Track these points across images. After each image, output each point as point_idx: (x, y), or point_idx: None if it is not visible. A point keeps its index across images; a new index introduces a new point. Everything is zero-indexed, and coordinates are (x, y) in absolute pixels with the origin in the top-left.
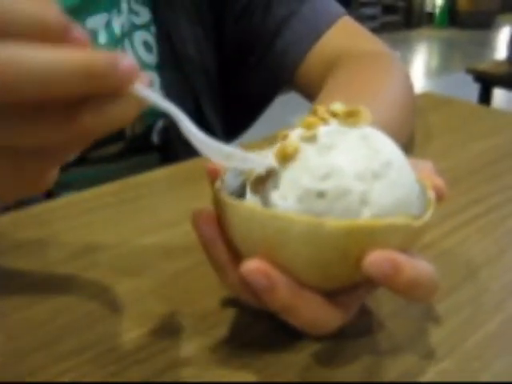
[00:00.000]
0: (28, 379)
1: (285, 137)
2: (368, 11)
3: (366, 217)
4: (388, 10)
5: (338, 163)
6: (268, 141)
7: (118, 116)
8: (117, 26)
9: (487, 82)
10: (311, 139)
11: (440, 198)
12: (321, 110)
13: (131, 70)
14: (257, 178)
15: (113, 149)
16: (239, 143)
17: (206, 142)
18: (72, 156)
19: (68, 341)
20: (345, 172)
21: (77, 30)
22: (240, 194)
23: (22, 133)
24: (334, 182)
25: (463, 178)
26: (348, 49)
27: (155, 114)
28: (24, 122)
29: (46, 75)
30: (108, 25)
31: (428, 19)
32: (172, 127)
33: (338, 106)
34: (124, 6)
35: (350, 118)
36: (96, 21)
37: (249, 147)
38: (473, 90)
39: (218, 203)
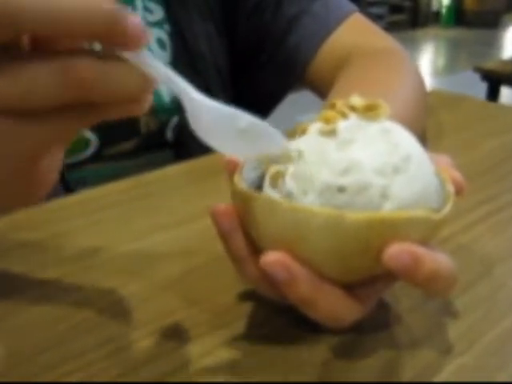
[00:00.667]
0: (35, 379)
1: (304, 130)
2: (375, 10)
3: (386, 210)
4: (395, 9)
5: (357, 158)
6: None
7: (122, 80)
8: None
9: (494, 80)
10: (330, 134)
11: (459, 191)
12: (339, 103)
13: (140, 29)
14: (276, 171)
15: (127, 145)
16: None
17: (217, 108)
18: (79, 131)
19: (80, 338)
20: (365, 166)
21: (133, 19)
22: (258, 186)
23: (15, 80)
24: (354, 176)
25: (476, 175)
26: (359, 45)
27: (170, 110)
28: (16, 65)
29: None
30: None
31: (434, 18)
32: (186, 124)
33: (356, 100)
34: (138, 3)
35: (369, 112)
36: None
37: None
38: (480, 88)
39: (237, 195)
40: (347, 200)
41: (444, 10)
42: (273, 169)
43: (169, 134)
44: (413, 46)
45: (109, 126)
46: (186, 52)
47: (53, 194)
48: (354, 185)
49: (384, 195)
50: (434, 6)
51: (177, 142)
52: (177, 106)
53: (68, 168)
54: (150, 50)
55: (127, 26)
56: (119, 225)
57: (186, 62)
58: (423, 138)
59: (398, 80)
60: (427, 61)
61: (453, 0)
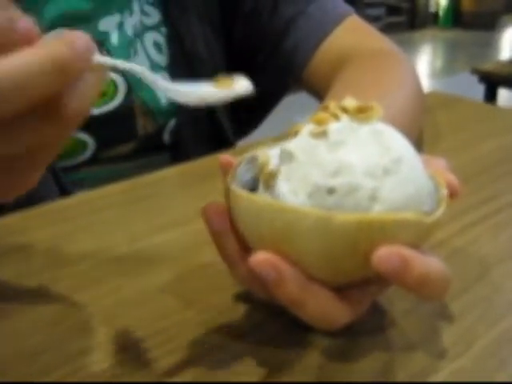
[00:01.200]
0: (36, 380)
1: (296, 133)
2: (372, 12)
3: (376, 212)
4: (392, 10)
5: (348, 159)
6: (275, 139)
7: (92, 89)
8: (129, 27)
9: (492, 82)
10: (322, 135)
11: (453, 194)
12: (332, 105)
13: (88, 46)
14: (268, 172)
15: (124, 148)
16: (247, 143)
17: (173, 87)
18: (60, 150)
19: (78, 340)
20: (355, 168)
21: (22, 22)
22: (252, 187)
23: (12, 141)
24: (344, 178)
25: (473, 176)
26: (356, 47)
27: (167, 113)
28: (13, 130)
29: (20, 82)
30: (120, 26)
31: (432, 20)
32: (184, 127)
33: (349, 102)
34: (136, 7)
35: (361, 113)
36: (109, 22)
37: (256, 145)
38: (478, 90)
39: (228, 195)
40: (337, 202)
41: (442, 12)
42: (265, 170)
43: (166, 137)
44: (410, 48)
45: (105, 128)
46: (183, 55)
47: (49, 197)
48: (343, 186)
49: (373, 197)
50: (432, 8)
51: (174, 144)
52: (174, 109)
53: (65, 171)
54: (147, 53)
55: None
56: (116, 227)
57: (183, 64)
58: (420, 140)
59: (394, 81)
60: (425, 62)
61: (450, 1)
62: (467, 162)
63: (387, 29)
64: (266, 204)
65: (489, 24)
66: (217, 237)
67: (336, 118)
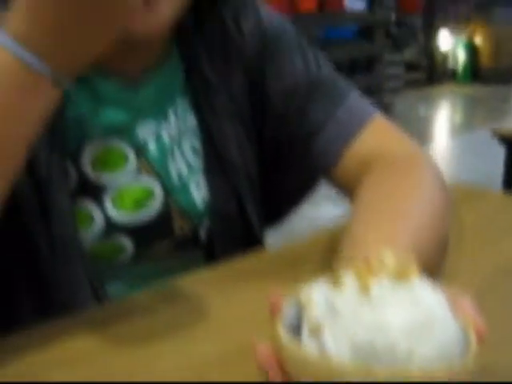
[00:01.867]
0: None
1: (338, 282)
2: (391, 71)
3: (412, 369)
4: (411, 67)
5: (387, 319)
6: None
7: None
8: (165, 134)
9: None
10: (364, 292)
11: (480, 338)
12: (373, 262)
13: None
14: (314, 324)
15: (162, 248)
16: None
17: None
18: None
19: None
20: (393, 328)
21: None
22: (297, 326)
23: None
24: (383, 336)
25: (501, 278)
26: (380, 151)
27: (201, 213)
28: None
29: None
30: (157, 134)
31: (451, 76)
32: (216, 226)
33: (389, 259)
34: (171, 113)
35: (400, 274)
36: (145, 130)
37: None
38: (497, 147)
39: (277, 341)
40: (376, 357)
41: (460, 67)
42: (311, 320)
43: (202, 236)
44: (429, 104)
45: (144, 232)
46: (217, 159)
47: (81, 300)
48: (381, 344)
49: (410, 355)
50: (450, 64)
51: (208, 242)
52: (208, 210)
53: (102, 272)
54: (184, 157)
55: None
56: (158, 336)
57: (217, 168)
58: (445, 244)
59: (413, 191)
60: (444, 117)
61: (469, 57)
62: (494, 261)
63: (407, 85)
64: (310, 361)
65: (507, 79)
66: (265, 373)
67: (377, 275)
